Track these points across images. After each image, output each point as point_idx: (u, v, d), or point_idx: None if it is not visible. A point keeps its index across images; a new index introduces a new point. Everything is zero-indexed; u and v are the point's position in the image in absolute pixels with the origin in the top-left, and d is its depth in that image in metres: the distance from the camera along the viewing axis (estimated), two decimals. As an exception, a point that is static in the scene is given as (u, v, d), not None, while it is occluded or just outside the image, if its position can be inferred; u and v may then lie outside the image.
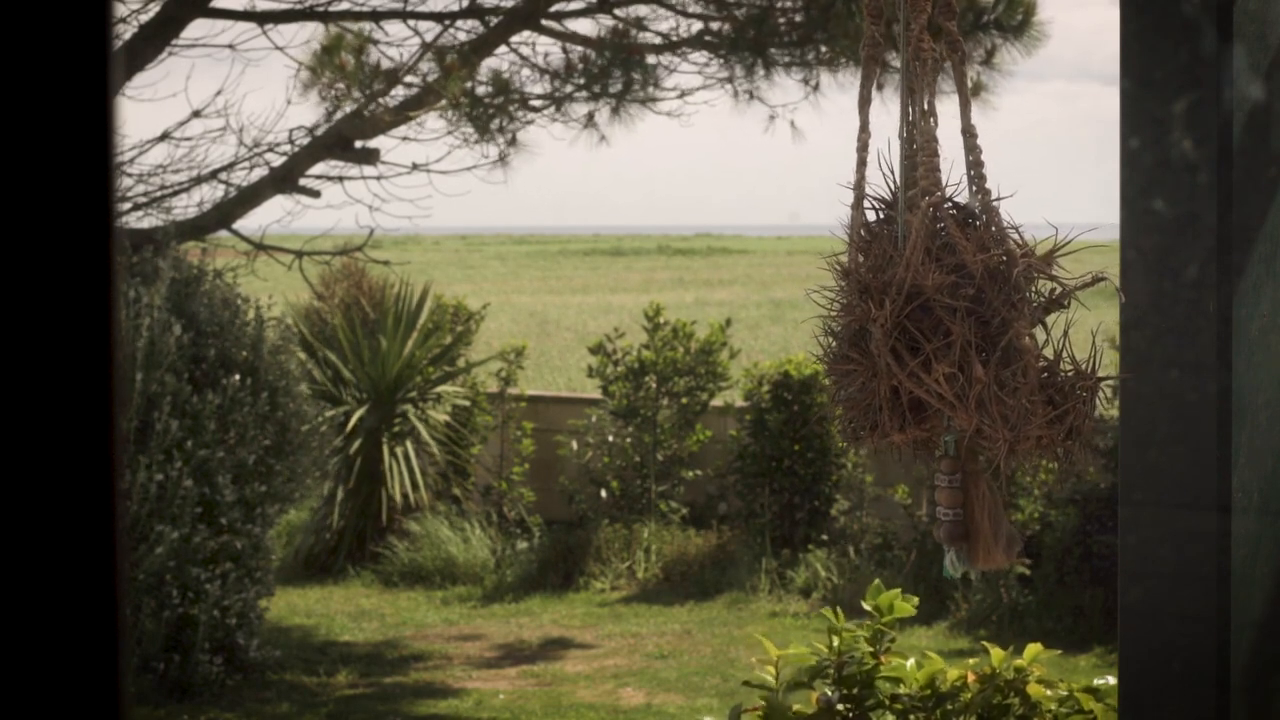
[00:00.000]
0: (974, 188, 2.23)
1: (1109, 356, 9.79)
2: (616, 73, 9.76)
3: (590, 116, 9.97)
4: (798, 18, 9.78)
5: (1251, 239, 2.39)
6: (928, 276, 2.12)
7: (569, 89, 9.87)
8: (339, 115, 9.65)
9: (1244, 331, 2.37)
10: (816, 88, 9.89)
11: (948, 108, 2.28)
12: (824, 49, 9.65)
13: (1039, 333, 2.20)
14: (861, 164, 2.27)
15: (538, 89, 10.03)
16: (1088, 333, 2.21)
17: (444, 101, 9.50)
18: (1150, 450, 2.37)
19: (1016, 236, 2.20)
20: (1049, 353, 2.18)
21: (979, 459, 2.23)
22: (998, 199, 2.21)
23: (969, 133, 2.25)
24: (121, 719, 0.85)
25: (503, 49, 9.95)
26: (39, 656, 0.84)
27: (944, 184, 2.21)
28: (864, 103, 2.28)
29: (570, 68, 9.81)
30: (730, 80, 9.91)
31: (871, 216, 2.26)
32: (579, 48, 9.87)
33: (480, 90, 9.79)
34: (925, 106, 2.24)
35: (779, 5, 9.82)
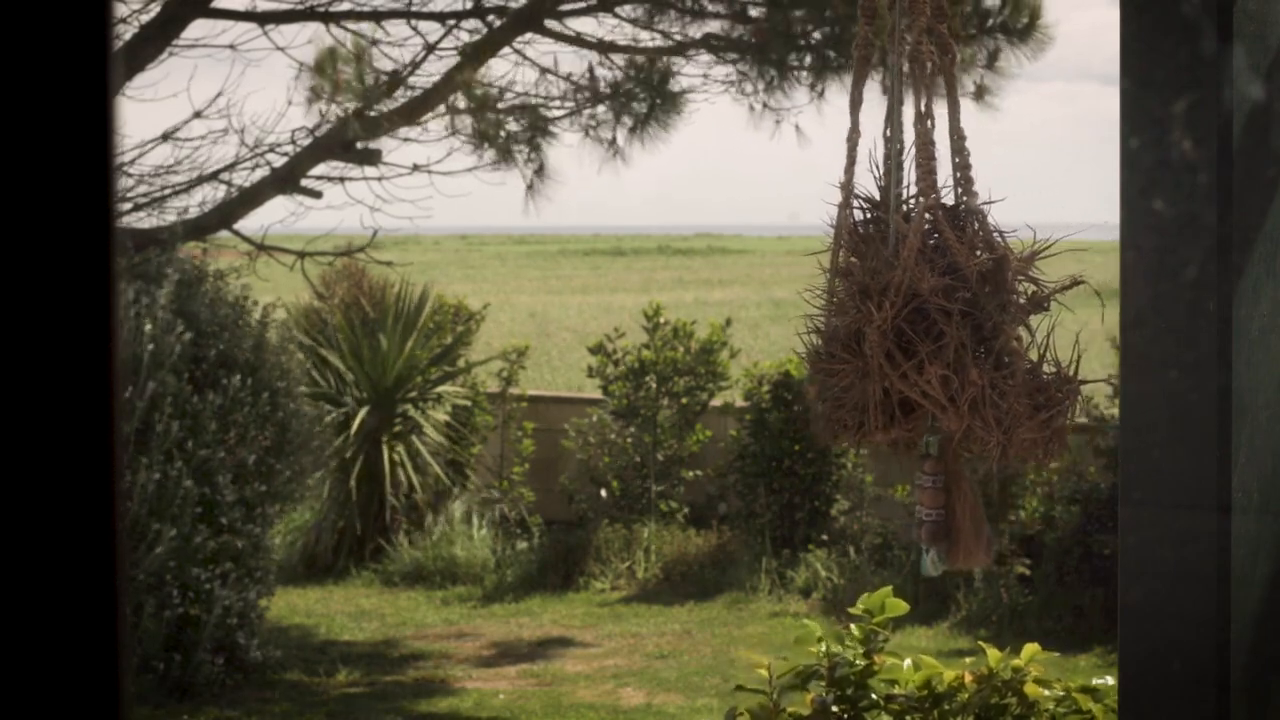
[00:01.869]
0: (959, 190, 2.24)
1: (1110, 358, 9.78)
2: (641, 94, 9.74)
3: (613, 141, 9.95)
4: (810, 27, 9.74)
5: (1251, 239, 2.39)
6: (924, 279, 2.12)
7: (594, 108, 9.84)
8: (342, 123, 9.63)
9: (1244, 331, 2.37)
10: (822, 94, 9.90)
11: (938, 109, 2.28)
12: (834, 55, 9.65)
13: (1022, 335, 2.21)
14: (851, 164, 2.28)
15: (552, 90, 10.00)
16: (1070, 335, 2.22)
17: (457, 104, 9.48)
18: (1150, 450, 2.37)
19: (1001, 240, 2.20)
20: (1032, 355, 2.20)
21: (962, 459, 2.23)
22: (988, 202, 2.22)
23: (958, 135, 2.25)
24: (121, 719, 0.85)
25: (506, 50, 9.94)
26: (39, 656, 0.84)
27: (938, 187, 2.22)
28: (855, 104, 2.29)
29: (596, 91, 9.77)
30: (741, 88, 9.90)
31: (859, 215, 2.27)
32: (595, 53, 9.84)
33: (501, 114, 9.77)
34: (922, 109, 2.24)
35: (795, 14, 9.78)
